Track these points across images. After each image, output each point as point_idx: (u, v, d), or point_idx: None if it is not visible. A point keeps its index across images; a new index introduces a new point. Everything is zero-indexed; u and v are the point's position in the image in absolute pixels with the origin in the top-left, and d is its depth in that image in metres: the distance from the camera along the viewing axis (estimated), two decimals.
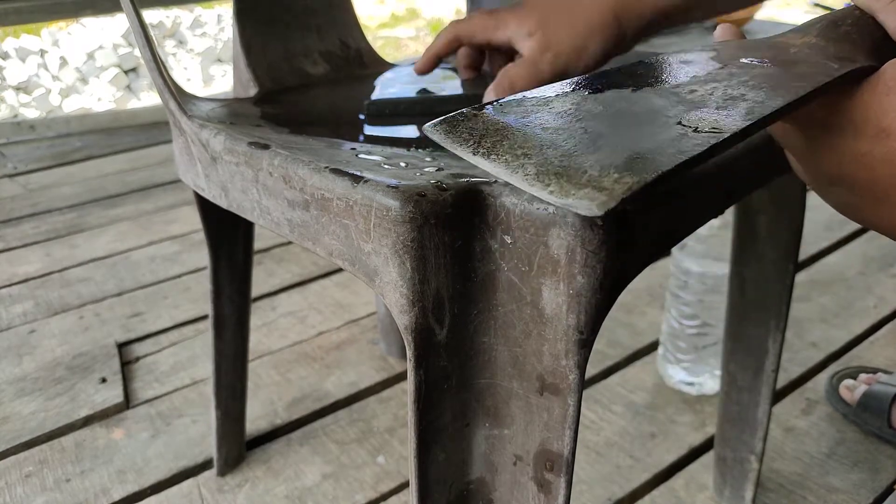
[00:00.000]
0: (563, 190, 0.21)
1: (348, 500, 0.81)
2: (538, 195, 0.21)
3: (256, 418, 0.94)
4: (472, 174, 0.36)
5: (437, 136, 0.25)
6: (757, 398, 0.72)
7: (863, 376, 0.92)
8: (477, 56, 0.57)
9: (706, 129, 0.23)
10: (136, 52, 3.35)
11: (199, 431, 0.91)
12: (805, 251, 1.30)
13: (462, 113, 0.26)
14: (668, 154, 0.22)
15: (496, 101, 0.27)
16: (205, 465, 0.86)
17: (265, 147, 0.42)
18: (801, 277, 1.22)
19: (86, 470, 0.86)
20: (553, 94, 0.27)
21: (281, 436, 0.91)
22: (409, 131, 0.51)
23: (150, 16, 3.66)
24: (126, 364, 1.06)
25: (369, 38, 0.74)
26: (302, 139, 0.49)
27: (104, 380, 1.01)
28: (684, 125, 0.23)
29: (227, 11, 3.92)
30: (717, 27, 0.35)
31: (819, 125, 0.29)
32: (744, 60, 0.29)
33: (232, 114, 0.56)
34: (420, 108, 0.54)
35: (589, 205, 0.20)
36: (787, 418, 0.91)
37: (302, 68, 0.68)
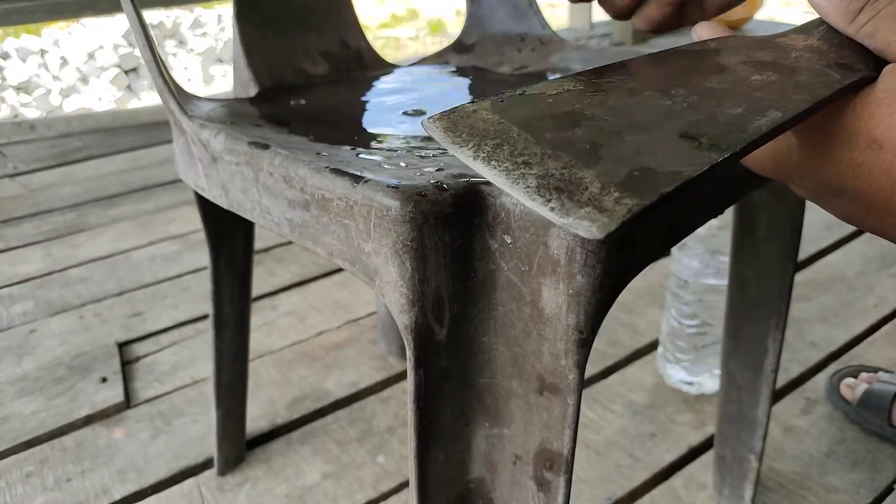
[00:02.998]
0: (563, 207, 0.21)
1: (348, 499, 0.81)
2: (538, 210, 0.21)
3: (257, 418, 0.94)
4: (472, 174, 0.36)
5: (436, 133, 0.24)
6: (756, 397, 0.72)
7: (864, 375, 0.92)
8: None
9: (707, 146, 0.23)
10: (137, 52, 3.35)
11: (199, 431, 0.92)
12: (805, 250, 1.30)
13: (463, 108, 0.25)
14: (668, 173, 0.22)
15: (498, 96, 0.26)
16: (205, 465, 0.86)
17: (265, 147, 0.42)
18: (800, 277, 1.22)
19: (86, 469, 0.86)
20: (553, 92, 0.27)
21: (281, 435, 0.91)
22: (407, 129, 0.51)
23: (151, 16, 3.66)
24: (126, 364, 1.06)
25: (369, 38, 0.74)
26: (302, 139, 0.49)
27: (104, 379, 1.01)
28: (685, 138, 0.23)
29: (227, 11, 3.92)
30: (699, 25, 0.33)
31: (817, 133, 0.28)
32: (744, 63, 0.29)
33: (232, 114, 0.56)
34: None
35: (589, 226, 0.20)
36: (786, 417, 0.91)
37: (302, 68, 0.68)
